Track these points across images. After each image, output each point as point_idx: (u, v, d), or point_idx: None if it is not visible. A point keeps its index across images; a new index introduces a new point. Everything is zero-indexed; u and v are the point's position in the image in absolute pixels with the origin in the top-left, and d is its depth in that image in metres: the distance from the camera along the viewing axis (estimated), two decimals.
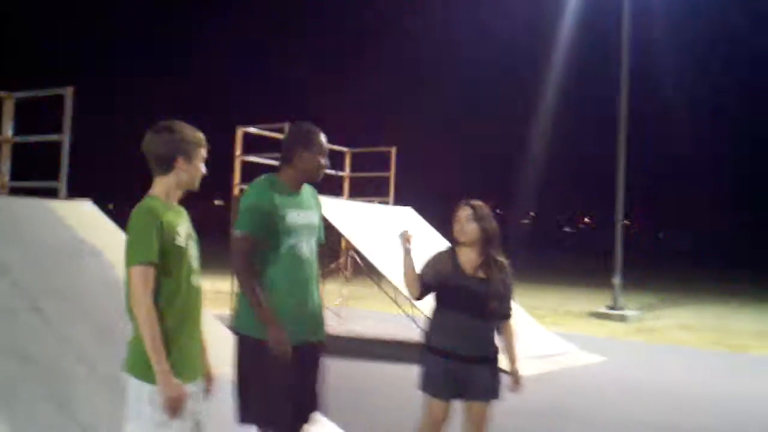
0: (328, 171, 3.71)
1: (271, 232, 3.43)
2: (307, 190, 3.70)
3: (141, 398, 2.69)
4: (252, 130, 11.10)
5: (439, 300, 4.00)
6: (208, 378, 3.02)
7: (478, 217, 4.00)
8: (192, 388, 2.80)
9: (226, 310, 11.04)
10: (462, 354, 3.92)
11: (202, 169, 2.96)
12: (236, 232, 3.46)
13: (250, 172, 11.34)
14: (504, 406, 4.25)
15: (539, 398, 7.40)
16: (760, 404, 7.79)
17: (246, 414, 3.46)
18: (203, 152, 2.96)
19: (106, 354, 4.04)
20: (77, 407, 3.74)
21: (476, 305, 3.93)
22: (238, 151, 10.91)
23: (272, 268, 3.44)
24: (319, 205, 3.76)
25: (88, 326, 4.37)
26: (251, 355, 3.39)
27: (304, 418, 3.56)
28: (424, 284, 4.05)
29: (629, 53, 16.21)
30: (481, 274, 3.98)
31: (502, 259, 4.08)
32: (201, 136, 2.96)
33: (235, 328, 3.53)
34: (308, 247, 3.56)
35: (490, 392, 4.03)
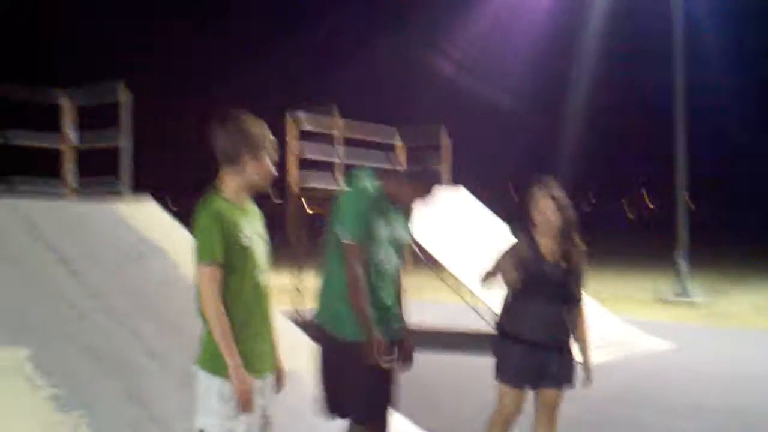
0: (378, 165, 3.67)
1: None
2: None
3: (210, 392, 2.73)
4: (301, 116, 10.65)
5: (521, 288, 3.92)
6: (279, 373, 3.03)
7: (560, 207, 3.95)
8: (259, 383, 2.82)
9: (287, 306, 11.18)
10: (542, 341, 3.90)
11: (271, 167, 2.90)
12: (347, 237, 3.36)
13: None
14: (573, 394, 4.18)
15: (608, 385, 7.24)
16: None
17: (336, 407, 3.50)
18: (270, 149, 2.88)
19: (175, 349, 4.12)
20: (151, 402, 3.83)
21: (557, 292, 3.93)
22: (293, 144, 10.52)
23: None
24: (409, 217, 3.66)
25: (155, 323, 4.46)
26: (346, 356, 3.39)
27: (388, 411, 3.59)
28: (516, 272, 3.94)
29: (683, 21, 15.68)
30: (561, 261, 3.94)
31: (580, 245, 4.03)
32: (267, 132, 2.89)
33: (321, 325, 3.52)
34: (392, 261, 3.49)
35: (565, 379, 4.00)
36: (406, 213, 3.64)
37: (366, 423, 3.49)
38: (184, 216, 6.07)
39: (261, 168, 2.85)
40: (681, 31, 15.59)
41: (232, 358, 2.68)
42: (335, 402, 3.52)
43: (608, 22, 20.42)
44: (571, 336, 4.03)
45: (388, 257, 3.48)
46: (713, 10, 19.40)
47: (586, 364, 4.05)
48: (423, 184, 3.52)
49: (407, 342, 3.62)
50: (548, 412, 4.02)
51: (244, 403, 2.69)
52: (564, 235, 3.97)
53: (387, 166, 11.74)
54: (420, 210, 3.62)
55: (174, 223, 5.98)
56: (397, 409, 3.74)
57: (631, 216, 70.68)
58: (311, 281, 11.72)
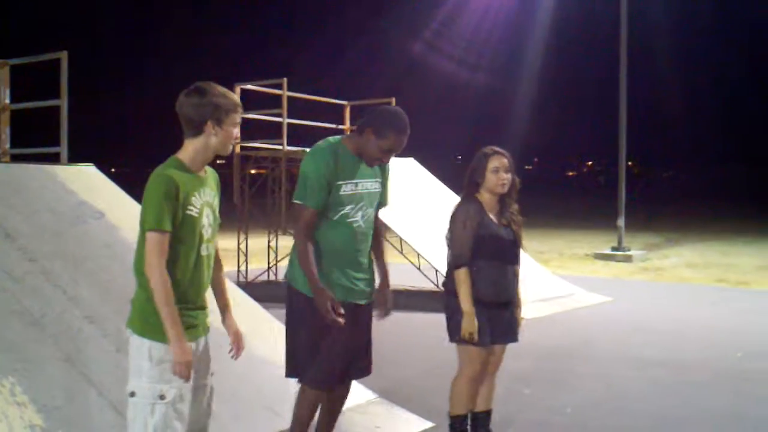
0: (329, 125, 3.68)
1: (328, 201, 3.43)
2: None
3: (141, 354, 2.74)
4: (250, 87, 11.00)
5: (475, 252, 3.99)
6: (236, 336, 3.06)
7: (511, 168, 4.05)
8: (193, 346, 2.83)
9: (232, 268, 11.16)
10: (500, 300, 4.04)
11: (235, 133, 2.90)
12: (297, 203, 3.44)
13: (250, 129, 11.31)
14: (514, 349, 4.32)
15: (547, 340, 7.49)
16: (762, 337, 7.88)
17: (291, 368, 3.55)
18: (237, 117, 2.88)
19: (114, 313, 4.09)
20: (88, 366, 3.80)
21: (507, 252, 4.06)
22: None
23: (326, 235, 3.46)
24: (384, 169, 3.68)
25: (95, 287, 4.41)
26: (301, 309, 3.45)
27: (353, 375, 3.66)
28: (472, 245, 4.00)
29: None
30: (504, 222, 4.07)
31: (516, 205, 4.17)
32: (235, 99, 2.89)
33: (288, 280, 3.58)
34: (364, 217, 3.53)
35: (514, 335, 4.16)
36: (378, 166, 3.62)
37: (302, 382, 3.53)
38: (126, 183, 6.03)
39: (225, 135, 2.86)
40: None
41: (174, 328, 2.68)
42: (292, 363, 3.56)
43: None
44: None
45: (358, 213, 3.50)
46: None
47: (518, 318, 4.21)
48: (382, 129, 3.46)
49: (383, 296, 3.67)
50: (494, 368, 4.18)
51: (181, 372, 2.70)
52: (507, 199, 4.09)
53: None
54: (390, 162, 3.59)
55: (114, 187, 5.89)
56: (364, 376, 3.79)
57: (571, 174, 71.88)
58: (255, 242, 11.83)
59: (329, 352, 3.46)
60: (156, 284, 2.67)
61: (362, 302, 3.60)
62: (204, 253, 2.86)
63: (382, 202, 3.71)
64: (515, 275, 4.12)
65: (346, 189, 3.46)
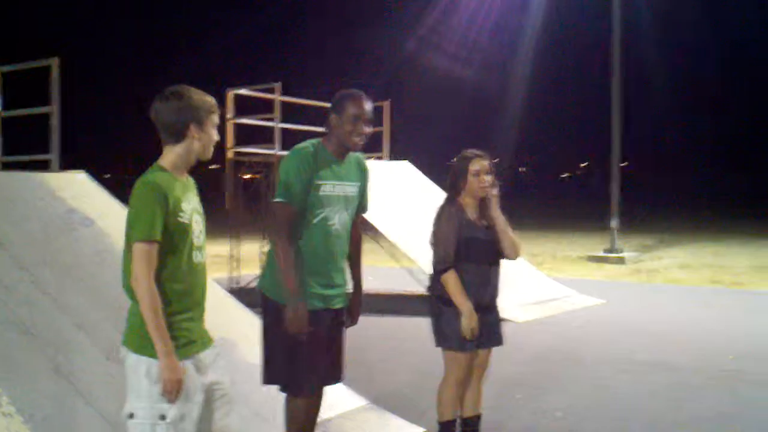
0: (323, 129, 3.66)
1: (305, 202, 3.41)
2: (352, 158, 3.62)
3: (138, 372, 2.64)
4: (243, 92, 10.96)
5: (457, 255, 3.99)
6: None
7: (492, 172, 4.07)
8: (200, 359, 2.75)
9: (224, 274, 11.14)
10: (484, 303, 4.02)
11: (215, 136, 2.83)
12: (277, 199, 3.43)
13: (243, 134, 11.28)
14: (505, 353, 4.32)
15: (539, 343, 7.50)
16: (755, 339, 7.90)
17: (269, 375, 3.53)
18: (215, 118, 2.82)
19: (104, 321, 4.08)
20: (77, 376, 3.77)
21: (488, 254, 4.05)
22: (229, 114, 10.75)
23: (302, 238, 3.44)
24: (364, 174, 3.68)
25: (84, 295, 4.40)
26: (276, 318, 3.42)
27: (327, 382, 3.62)
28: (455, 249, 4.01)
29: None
30: (484, 223, 4.07)
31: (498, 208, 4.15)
32: (212, 100, 2.82)
33: (261, 289, 3.57)
34: (340, 220, 3.51)
35: (499, 338, 4.16)
36: (359, 167, 3.63)
37: (288, 392, 3.51)
38: (118, 190, 6.00)
39: (207, 138, 2.79)
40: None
41: (162, 343, 2.57)
42: (270, 370, 3.53)
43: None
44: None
45: (334, 216, 3.48)
46: None
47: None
48: (338, 106, 3.49)
49: (354, 304, 3.67)
50: (480, 372, 4.18)
51: (171, 392, 2.60)
52: (488, 201, 4.07)
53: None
54: (360, 147, 3.58)
55: (105, 194, 5.88)
56: (336, 383, 3.77)
57: (565, 176, 71.95)
58: (247, 248, 11.81)
59: (308, 358, 3.45)
60: (143, 297, 2.58)
61: (338, 307, 3.59)
62: (197, 260, 2.78)
63: (361, 208, 3.71)
64: (496, 278, 4.11)
65: (326, 189, 3.45)
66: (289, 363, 3.45)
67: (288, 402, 3.55)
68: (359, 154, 3.70)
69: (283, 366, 3.47)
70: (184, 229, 2.71)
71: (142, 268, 2.59)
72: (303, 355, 3.43)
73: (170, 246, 2.66)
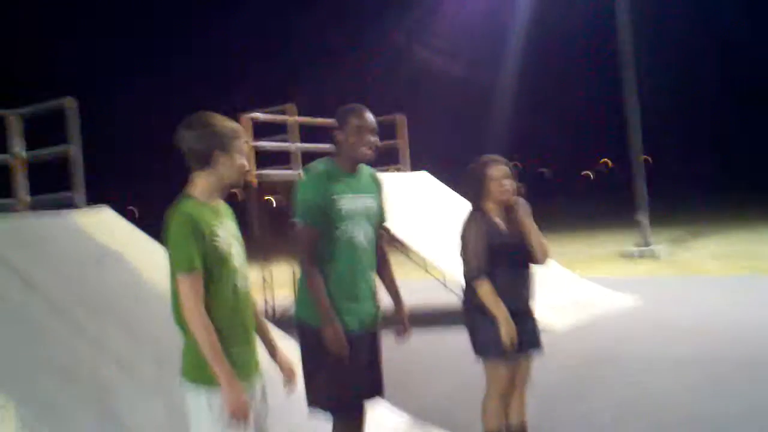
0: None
1: (326, 220, 3.40)
2: (365, 172, 3.63)
3: (199, 403, 2.64)
4: (258, 116, 10.99)
5: (488, 262, 3.95)
6: (289, 372, 3.01)
7: (511, 175, 4.04)
8: (249, 389, 2.75)
9: (260, 301, 11.10)
10: (520, 310, 3.97)
11: (242, 160, 2.84)
12: (297, 223, 3.42)
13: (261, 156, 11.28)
14: (544, 358, 4.24)
15: (580, 347, 7.38)
16: None
17: (314, 398, 3.50)
18: (240, 143, 2.83)
19: (142, 357, 4.07)
20: (122, 414, 3.76)
21: (519, 258, 4.01)
22: (246, 139, 10.76)
23: (328, 257, 3.42)
24: (379, 186, 3.68)
25: (121, 333, 4.39)
26: (314, 342, 3.40)
27: (369, 398, 3.59)
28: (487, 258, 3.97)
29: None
30: (512, 228, 4.03)
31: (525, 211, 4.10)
32: (236, 126, 2.84)
33: (296, 318, 3.55)
34: (364, 233, 3.50)
35: (537, 344, 4.10)
36: (373, 179, 3.64)
37: (333, 414, 3.48)
38: (145, 222, 6.04)
39: (234, 163, 2.79)
40: None
41: (222, 369, 2.59)
42: (314, 394, 3.50)
43: None
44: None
45: (358, 230, 3.46)
46: None
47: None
48: (341, 122, 3.51)
49: (402, 318, 3.67)
50: (523, 380, 4.11)
51: (238, 415, 2.60)
52: (513, 206, 4.04)
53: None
54: (370, 158, 3.58)
55: (133, 229, 5.90)
56: (378, 401, 3.73)
57: (591, 176, 71.44)
58: (278, 273, 11.80)
59: (350, 378, 3.43)
60: (197, 327, 2.59)
61: (372, 322, 3.56)
62: (241, 286, 2.78)
63: (381, 221, 3.67)
64: (529, 283, 4.06)
65: (344, 203, 3.44)
66: (332, 384, 3.42)
67: (335, 425, 3.51)
68: (370, 168, 3.70)
69: (326, 388, 3.45)
70: (223, 255, 2.71)
71: (189, 299, 2.60)
72: (345, 375, 3.40)
73: (212, 273, 2.67)
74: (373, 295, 3.58)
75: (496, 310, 3.86)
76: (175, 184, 2.89)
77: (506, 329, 3.84)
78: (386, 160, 12.44)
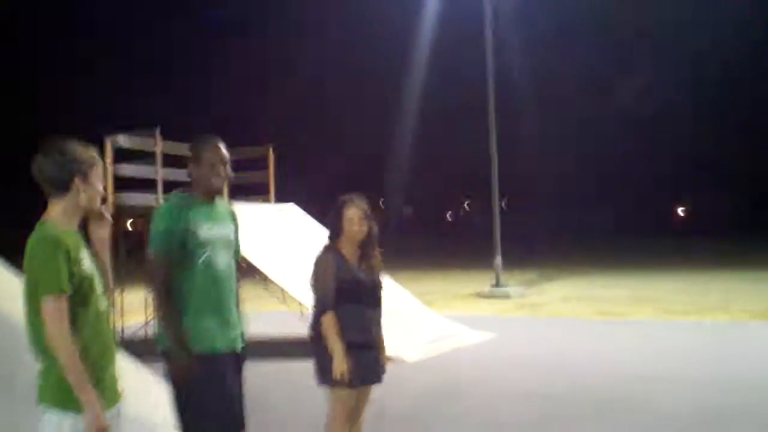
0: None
1: (184, 249, 3.41)
2: (221, 203, 3.68)
3: (62, 428, 2.58)
4: (122, 140, 10.56)
5: (338, 297, 4.07)
6: None
7: (367, 216, 4.19)
8: (112, 413, 2.73)
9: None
10: (362, 342, 4.10)
11: (100, 188, 2.83)
12: (151, 253, 3.42)
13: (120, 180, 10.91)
14: (396, 390, 4.35)
15: (430, 380, 7.57)
16: (636, 366, 8.27)
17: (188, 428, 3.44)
18: (99, 170, 2.83)
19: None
20: None
21: (369, 295, 4.18)
22: (108, 160, 10.36)
23: (191, 284, 3.42)
24: (234, 217, 3.73)
25: None
26: (182, 371, 3.37)
27: (237, 427, 3.55)
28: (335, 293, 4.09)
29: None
30: (363, 266, 4.20)
31: (377, 251, 4.30)
32: (94, 153, 2.83)
33: (162, 348, 3.47)
34: (223, 260, 3.52)
35: (377, 377, 4.24)
36: (228, 210, 3.69)
37: None
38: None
39: (92, 190, 2.79)
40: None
41: (87, 394, 2.55)
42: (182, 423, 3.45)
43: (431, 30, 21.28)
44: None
45: (216, 256, 3.48)
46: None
47: (384, 360, 4.30)
48: (194, 156, 3.57)
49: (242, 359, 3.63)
50: (361, 409, 4.24)
51: None
52: (366, 244, 4.22)
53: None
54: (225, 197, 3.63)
55: None
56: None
57: (450, 219, 73.61)
58: (132, 299, 11.37)
59: (218, 407, 3.39)
60: (64, 351, 2.54)
61: (238, 348, 3.58)
62: (102, 308, 2.77)
63: (237, 251, 3.72)
64: (377, 318, 4.23)
65: (203, 232, 3.47)
66: (200, 415, 3.39)
67: None
68: (225, 200, 3.80)
69: (191, 416, 3.40)
70: (88, 278, 2.70)
71: (56, 323, 2.56)
72: (206, 402, 3.38)
73: (79, 296, 2.65)
74: (238, 320, 3.60)
75: (333, 343, 4.00)
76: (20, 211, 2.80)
77: (338, 363, 3.97)
78: (258, 189, 12.34)
